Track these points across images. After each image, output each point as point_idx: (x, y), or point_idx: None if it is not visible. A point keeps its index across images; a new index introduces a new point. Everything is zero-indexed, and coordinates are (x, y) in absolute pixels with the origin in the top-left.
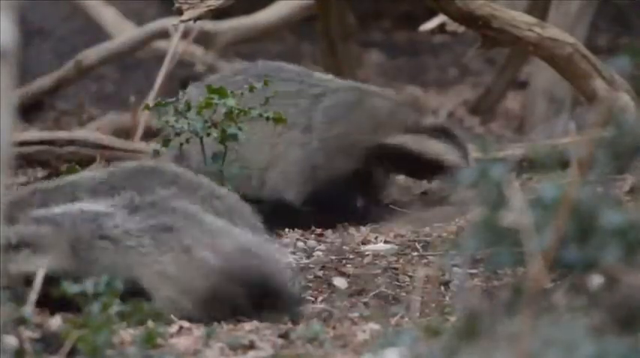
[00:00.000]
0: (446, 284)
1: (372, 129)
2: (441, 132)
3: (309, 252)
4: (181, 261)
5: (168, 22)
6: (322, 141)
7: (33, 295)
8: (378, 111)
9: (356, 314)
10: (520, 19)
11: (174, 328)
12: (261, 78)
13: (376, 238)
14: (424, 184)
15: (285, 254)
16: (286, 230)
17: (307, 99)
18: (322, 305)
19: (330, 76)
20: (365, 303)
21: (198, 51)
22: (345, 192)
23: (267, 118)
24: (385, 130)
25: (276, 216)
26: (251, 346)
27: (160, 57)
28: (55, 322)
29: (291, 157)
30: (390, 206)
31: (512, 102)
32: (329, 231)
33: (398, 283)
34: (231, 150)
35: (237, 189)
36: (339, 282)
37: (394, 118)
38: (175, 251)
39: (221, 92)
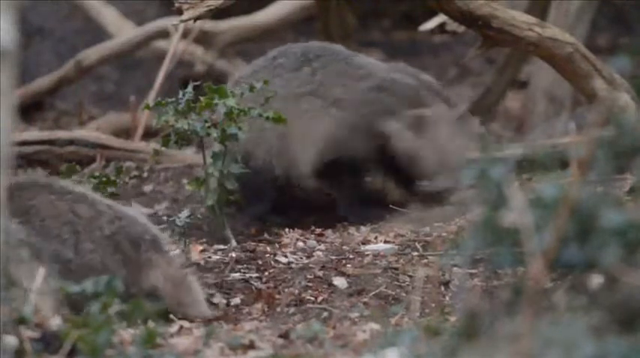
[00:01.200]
0: (446, 284)
1: (381, 115)
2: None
3: (309, 252)
4: None
5: (168, 22)
6: (351, 118)
7: (33, 295)
8: (390, 99)
9: (356, 314)
10: (520, 19)
11: (174, 328)
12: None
13: (376, 238)
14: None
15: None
16: (286, 229)
17: (354, 79)
18: (322, 305)
19: (371, 59)
20: (365, 303)
21: (198, 51)
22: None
23: (267, 118)
24: (386, 117)
25: (277, 213)
26: (251, 346)
27: (160, 57)
28: (55, 322)
29: (320, 130)
30: (390, 206)
31: (512, 102)
32: (329, 231)
33: (398, 283)
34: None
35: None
36: (339, 282)
37: (400, 106)
38: None
39: (221, 92)
